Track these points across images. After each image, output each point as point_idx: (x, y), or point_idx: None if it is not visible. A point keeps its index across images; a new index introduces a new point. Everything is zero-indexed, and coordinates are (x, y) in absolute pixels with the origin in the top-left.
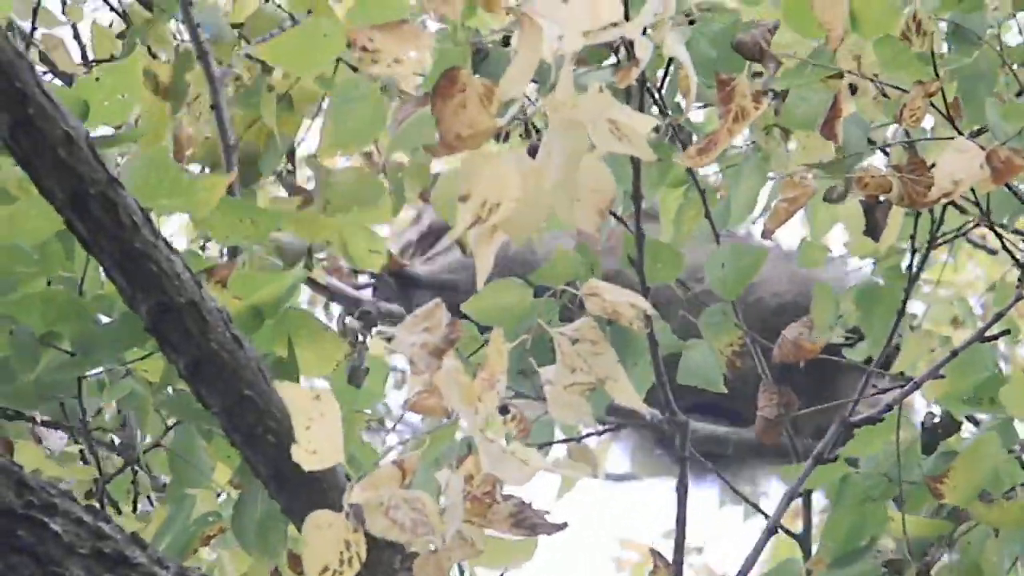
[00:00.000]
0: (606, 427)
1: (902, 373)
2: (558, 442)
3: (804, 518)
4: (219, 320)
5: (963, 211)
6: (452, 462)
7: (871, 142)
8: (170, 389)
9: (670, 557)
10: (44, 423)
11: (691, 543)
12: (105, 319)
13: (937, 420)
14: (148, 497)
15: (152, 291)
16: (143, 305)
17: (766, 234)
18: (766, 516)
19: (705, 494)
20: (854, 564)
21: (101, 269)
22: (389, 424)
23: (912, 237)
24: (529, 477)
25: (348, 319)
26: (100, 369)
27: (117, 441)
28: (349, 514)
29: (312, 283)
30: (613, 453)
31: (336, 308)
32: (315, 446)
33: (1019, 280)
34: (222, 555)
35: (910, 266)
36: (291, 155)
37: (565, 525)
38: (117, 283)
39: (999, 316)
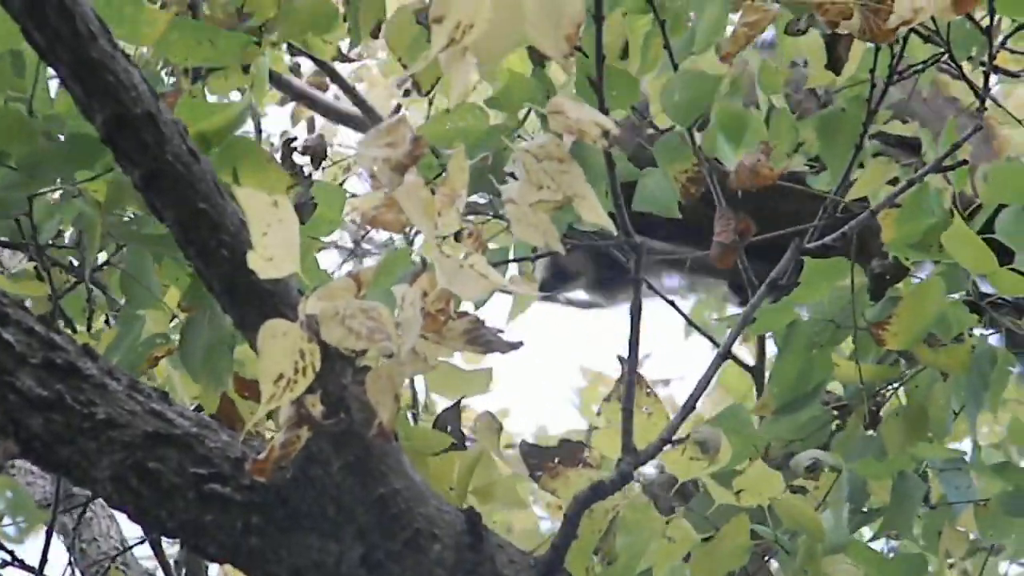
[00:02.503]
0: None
1: (863, 199)
2: (512, 260)
3: (757, 348)
4: (175, 132)
5: (928, 40)
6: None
7: None
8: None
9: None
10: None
11: (659, 375)
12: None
13: (885, 266)
14: (107, 318)
15: (108, 102)
16: (99, 116)
17: (724, 58)
18: (716, 344)
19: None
20: (801, 410)
21: (52, 88)
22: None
23: (872, 71)
24: (485, 292)
25: (294, 153)
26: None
27: (76, 263)
28: (304, 324)
29: (276, 81)
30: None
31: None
32: (271, 253)
33: (977, 110)
34: (173, 376)
35: (869, 98)
36: None
37: (520, 344)
38: (73, 94)
39: (955, 147)
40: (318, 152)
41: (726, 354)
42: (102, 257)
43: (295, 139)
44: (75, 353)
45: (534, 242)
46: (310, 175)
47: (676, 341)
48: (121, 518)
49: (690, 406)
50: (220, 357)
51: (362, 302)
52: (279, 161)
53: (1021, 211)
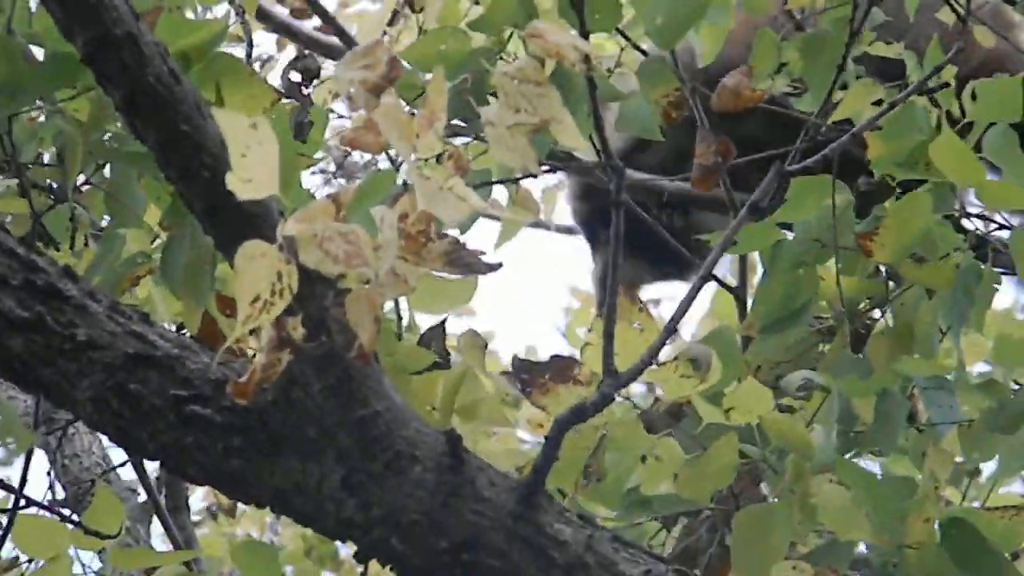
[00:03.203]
0: (544, 171)
1: (847, 121)
2: (495, 183)
3: (739, 271)
4: (156, 53)
5: None
6: (388, 201)
7: None
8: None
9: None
10: None
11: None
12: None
13: (871, 184)
14: (85, 239)
15: (89, 23)
16: (79, 37)
17: None
18: (699, 265)
19: None
20: (789, 329)
21: (32, 5)
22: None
23: None
24: (464, 214)
25: (291, 73)
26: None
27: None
28: (282, 246)
29: (258, 13)
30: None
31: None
32: (250, 175)
33: (959, 32)
34: (155, 294)
35: (852, 18)
36: None
37: (500, 265)
38: (54, 15)
39: (938, 69)
40: (311, 71)
41: (708, 275)
42: (82, 178)
43: (300, 58)
44: (56, 274)
45: (512, 164)
46: (309, 95)
47: None
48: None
49: (672, 327)
50: (202, 275)
51: (340, 225)
52: (281, 80)
53: (1008, 129)
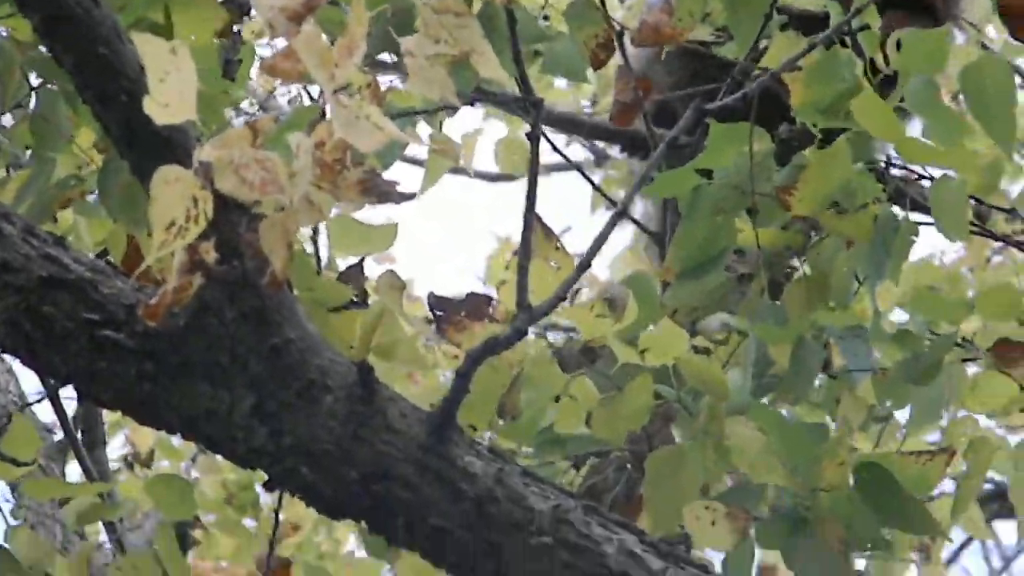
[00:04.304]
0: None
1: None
2: (415, 113)
3: (659, 218)
4: None
5: None
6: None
7: None
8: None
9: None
10: None
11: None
12: None
13: (792, 131)
14: (7, 168)
15: None
16: None
17: None
18: (613, 203)
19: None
20: (705, 276)
21: None
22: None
23: None
24: (382, 143)
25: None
26: None
27: None
28: (198, 171)
29: None
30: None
31: None
32: (168, 99)
33: None
34: (79, 221)
35: None
36: None
37: (413, 196)
38: None
39: (858, 11)
40: (242, 6)
41: (623, 212)
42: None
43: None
44: None
45: (431, 96)
46: (239, 32)
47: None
48: (21, 373)
49: (586, 263)
50: (139, 196)
51: (256, 151)
52: None
53: (930, 81)
